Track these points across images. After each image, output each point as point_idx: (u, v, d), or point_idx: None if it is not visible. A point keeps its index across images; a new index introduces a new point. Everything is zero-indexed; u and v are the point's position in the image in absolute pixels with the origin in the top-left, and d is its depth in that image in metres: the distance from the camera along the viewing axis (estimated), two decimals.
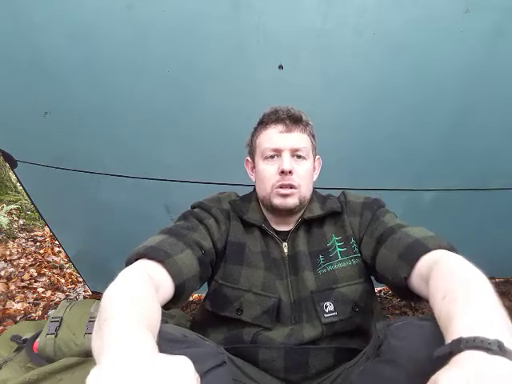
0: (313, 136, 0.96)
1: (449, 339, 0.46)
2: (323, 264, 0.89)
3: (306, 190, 0.92)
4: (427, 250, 0.73)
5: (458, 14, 1.16)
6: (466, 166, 1.59)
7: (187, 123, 1.47)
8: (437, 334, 0.55)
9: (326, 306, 0.85)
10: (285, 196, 0.89)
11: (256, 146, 0.95)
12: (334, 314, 0.84)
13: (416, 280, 0.72)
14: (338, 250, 0.91)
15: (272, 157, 0.90)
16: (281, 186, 0.89)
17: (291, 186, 0.89)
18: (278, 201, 0.90)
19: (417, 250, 0.74)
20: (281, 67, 1.30)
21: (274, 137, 0.90)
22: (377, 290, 2.45)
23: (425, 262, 0.71)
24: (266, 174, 0.90)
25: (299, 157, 0.90)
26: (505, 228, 1.89)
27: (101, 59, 1.29)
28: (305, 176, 0.91)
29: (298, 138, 0.90)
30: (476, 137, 1.49)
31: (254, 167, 0.98)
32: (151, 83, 1.35)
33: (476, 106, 1.41)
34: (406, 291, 0.76)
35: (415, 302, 0.79)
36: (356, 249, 0.91)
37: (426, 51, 1.27)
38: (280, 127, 0.90)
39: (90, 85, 1.36)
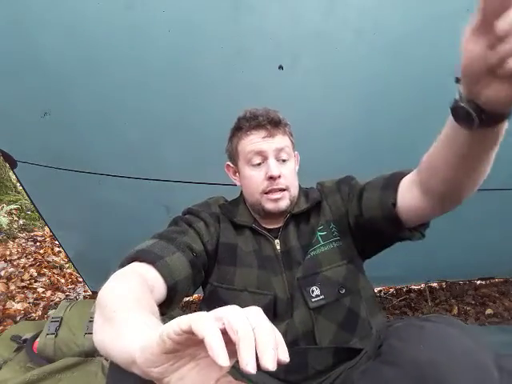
0: (291, 134, 0.98)
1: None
2: (308, 251, 0.91)
3: (294, 190, 0.94)
4: (404, 175, 0.79)
5: (459, 14, 1.16)
6: None
7: (187, 124, 1.47)
8: (437, 335, 0.55)
9: (313, 291, 0.86)
10: (276, 200, 0.91)
11: (238, 151, 0.95)
12: (320, 297, 0.86)
13: (403, 199, 0.77)
14: (318, 234, 0.93)
15: (258, 164, 0.91)
16: (270, 191, 0.90)
17: (281, 190, 0.91)
18: (270, 206, 0.91)
19: (395, 178, 0.80)
20: (281, 67, 1.30)
21: (257, 143, 0.91)
22: (377, 290, 2.45)
23: (405, 180, 0.78)
24: (254, 180, 0.92)
25: (284, 160, 0.92)
26: (505, 228, 1.89)
27: (101, 59, 1.29)
28: (291, 177, 0.94)
29: (281, 141, 0.92)
30: None
31: (235, 172, 1.00)
32: (151, 84, 1.35)
33: None
34: (397, 222, 0.79)
35: (409, 236, 0.82)
36: (335, 232, 0.93)
37: (426, 51, 1.27)
38: (262, 133, 0.91)
39: (89, 85, 1.36)
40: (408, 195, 0.76)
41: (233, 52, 1.27)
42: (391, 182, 0.81)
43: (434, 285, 2.43)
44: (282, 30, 1.22)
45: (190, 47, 1.26)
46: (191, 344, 0.38)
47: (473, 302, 2.21)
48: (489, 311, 2.09)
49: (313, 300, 0.85)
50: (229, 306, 0.38)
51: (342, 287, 0.87)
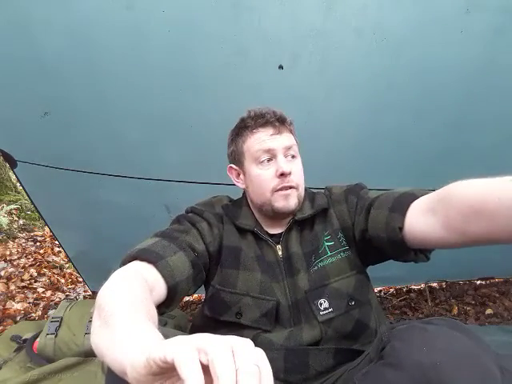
0: (295, 135, 0.96)
1: None
2: (314, 262, 0.89)
3: (302, 189, 0.93)
4: (416, 198, 0.73)
5: (459, 15, 1.16)
6: (467, 166, 1.58)
7: (187, 123, 1.47)
8: (440, 337, 0.55)
9: (321, 304, 0.85)
10: (287, 197, 0.88)
11: (244, 151, 0.92)
12: (329, 310, 0.84)
13: (412, 224, 0.72)
14: (326, 244, 0.91)
15: (268, 162, 0.89)
16: (281, 189, 0.88)
17: (291, 187, 0.89)
18: (280, 204, 0.89)
19: (406, 200, 0.75)
20: (281, 67, 1.30)
21: (265, 140, 0.89)
22: (377, 289, 2.45)
23: (417, 205, 0.72)
24: (264, 179, 0.89)
25: (292, 156, 0.91)
26: None
27: (101, 59, 1.29)
28: (301, 175, 0.92)
29: (288, 139, 0.91)
30: (477, 137, 1.49)
31: (239, 174, 0.97)
32: (151, 83, 1.35)
33: (476, 106, 1.41)
34: (403, 246, 0.75)
35: (414, 258, 0.79)
36: (344, 242, 0.91)
37: (426, 51, 1.27)
38: (270, 130, 0.89)
39: (89, 85, 1.36)
40: (422, 222, 0.70)
41: (233, 52, 1.26)
42: (400, 205, 0.75)
43: (434, 285, 2.43)
44: (282, 30, 1.22)
45: (189, 47, 1.25)
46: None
47: (473, 302, 2.20)
48: (489, 311, 2.09)
49: (321, 313, 0.84)
50: (217, 336, 0.36)
51: (352, 299, 0.85)
